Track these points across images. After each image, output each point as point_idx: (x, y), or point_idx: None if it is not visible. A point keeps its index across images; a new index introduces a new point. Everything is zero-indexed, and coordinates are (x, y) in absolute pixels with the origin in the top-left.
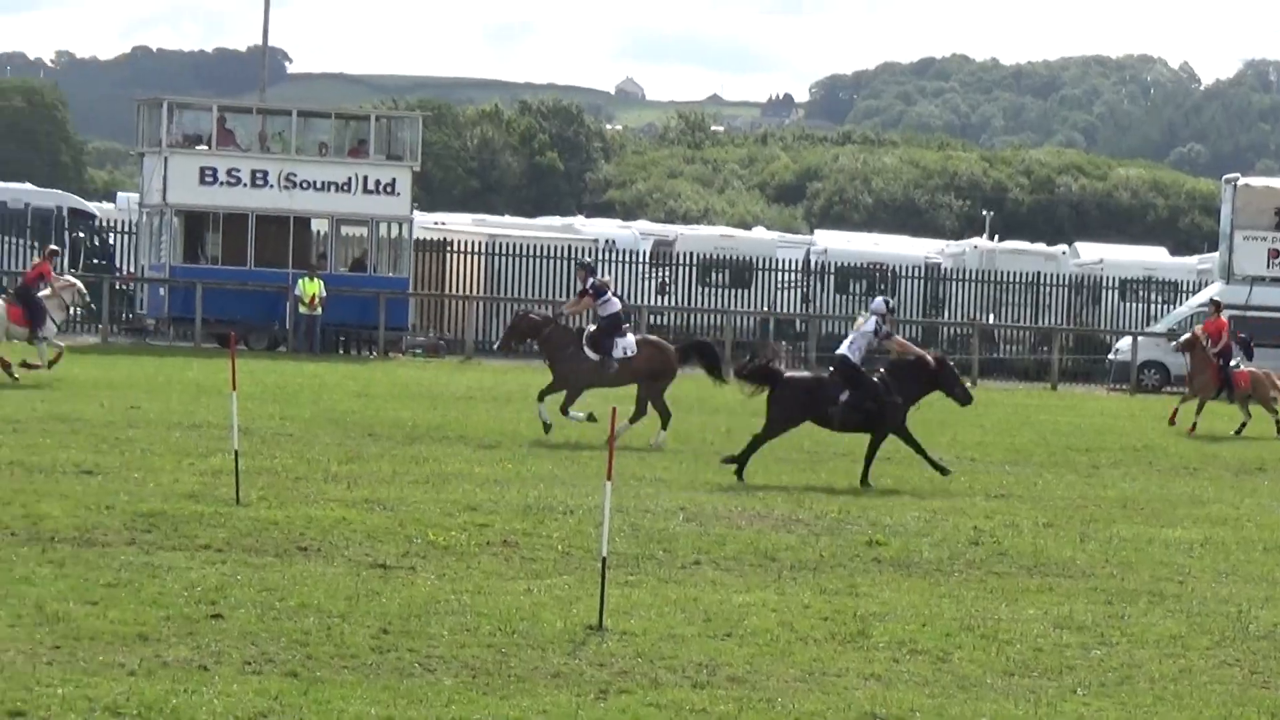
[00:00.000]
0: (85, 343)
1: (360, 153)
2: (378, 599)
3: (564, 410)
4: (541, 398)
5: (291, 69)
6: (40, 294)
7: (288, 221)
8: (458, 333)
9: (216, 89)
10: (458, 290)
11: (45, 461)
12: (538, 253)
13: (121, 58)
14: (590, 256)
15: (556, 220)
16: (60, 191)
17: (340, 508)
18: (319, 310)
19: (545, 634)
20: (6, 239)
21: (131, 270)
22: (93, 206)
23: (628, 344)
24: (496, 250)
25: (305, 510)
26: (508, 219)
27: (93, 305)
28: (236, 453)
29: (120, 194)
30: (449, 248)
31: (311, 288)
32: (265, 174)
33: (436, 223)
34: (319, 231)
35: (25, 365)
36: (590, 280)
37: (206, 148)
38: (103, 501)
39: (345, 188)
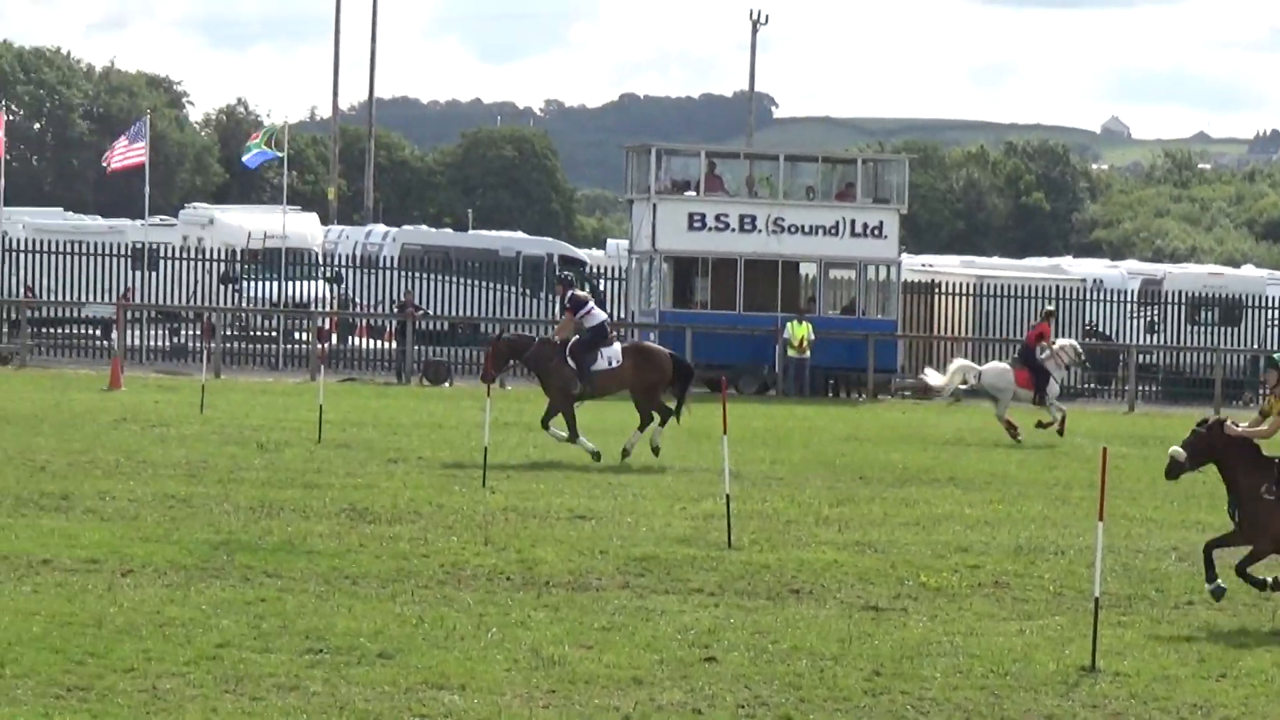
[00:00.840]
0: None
1: (847, 196)
2: (870, 641)
3: (544, 423)
4: (545, 424)
5: (778, 113)
6: (1041, 356)
7: (776, 265)
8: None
9: (703, 134)
10: (946, 331)
11: (539, 507)
12: (1025, 293)
13: (609, 105)
14: (1078, 297)
15: (1044, 261)
16: (551, 239)
17: (832, 550)
18: (808, 353)
19: (1038, 675)
20: (499, 287)
21: (622, 316)
22: (582, 253)
23: (613, 354)
24: (984, 291)
25: (797, 553)
26: (995, 260)
27: (1087, 364)
28: (728, 496)
29: (610, 240)
30: (937, 289)
31: (800, 331)
32: (753, 219)
33: (924, 265)
34: (807, 275)
35: (1040, 425)
36: (569, 293)
37: (695, 193)
38: (596, 546)
39: (833, 231)
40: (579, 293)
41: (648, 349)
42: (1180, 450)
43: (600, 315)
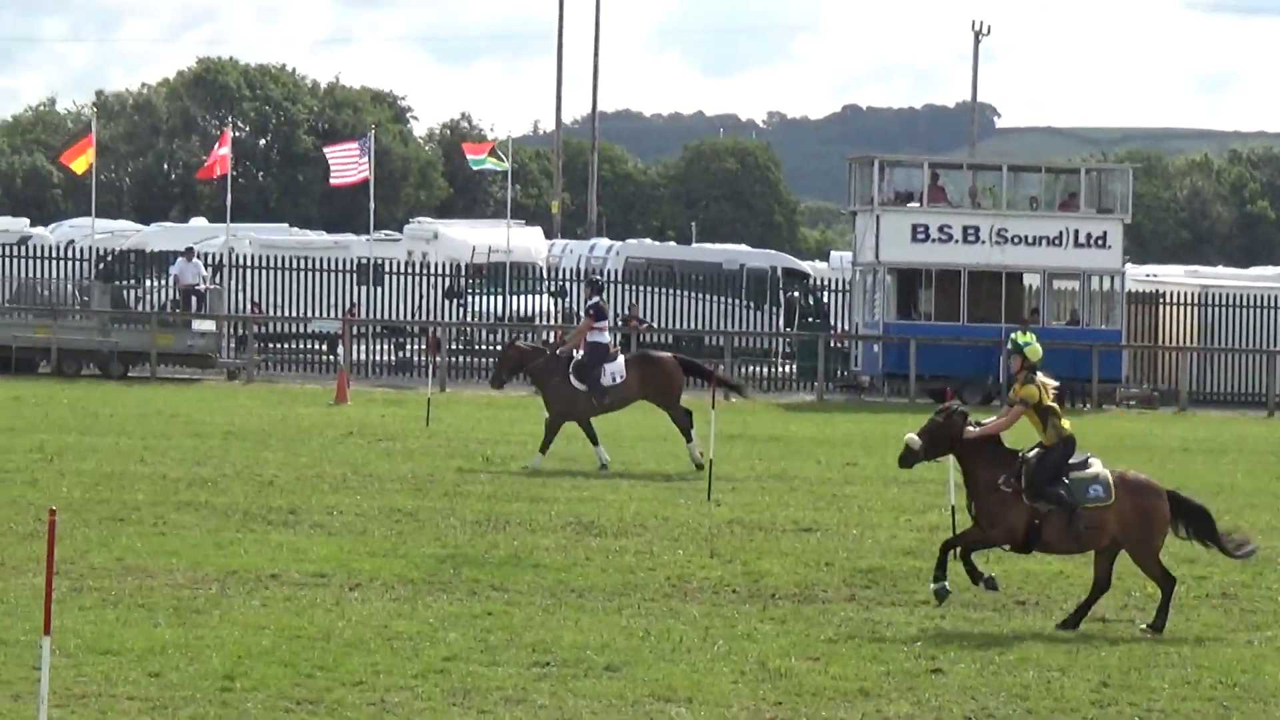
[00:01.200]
0: (802, 400)
1: (1071, 206)
2: (1097, 652)
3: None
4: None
5: (1000, 123)
6: None
7: (999, 277)
8: (1171, 384)
9: (925, 145)
10: (1171, 342)
11: (764, 519)
12: (1251, 303)
13: (832, 116)
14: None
15: (1269, 270)
16: (774, 252)
17: (1057, 561)
18: None
19: (1267, 687)
20: (723, 300)
21: (845, 328)
22: (806, 266)
23: (616, 369)
24: (1209, 301)
25: (1023, 564)
26: (1220, 270)
27: None
28: (953, 508)
29: (833, 252)
30: (1161, 299)
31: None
32: (976, 229)
33: (1148, 274)
34: (1031, 286)
35: None
36: (593, 300)
37: (918, 205)
38: (822, 558)
39: (1056, 242)
40: (603, 303)
41: (652, 356)
42: (916, 438)
43: (605, 337)
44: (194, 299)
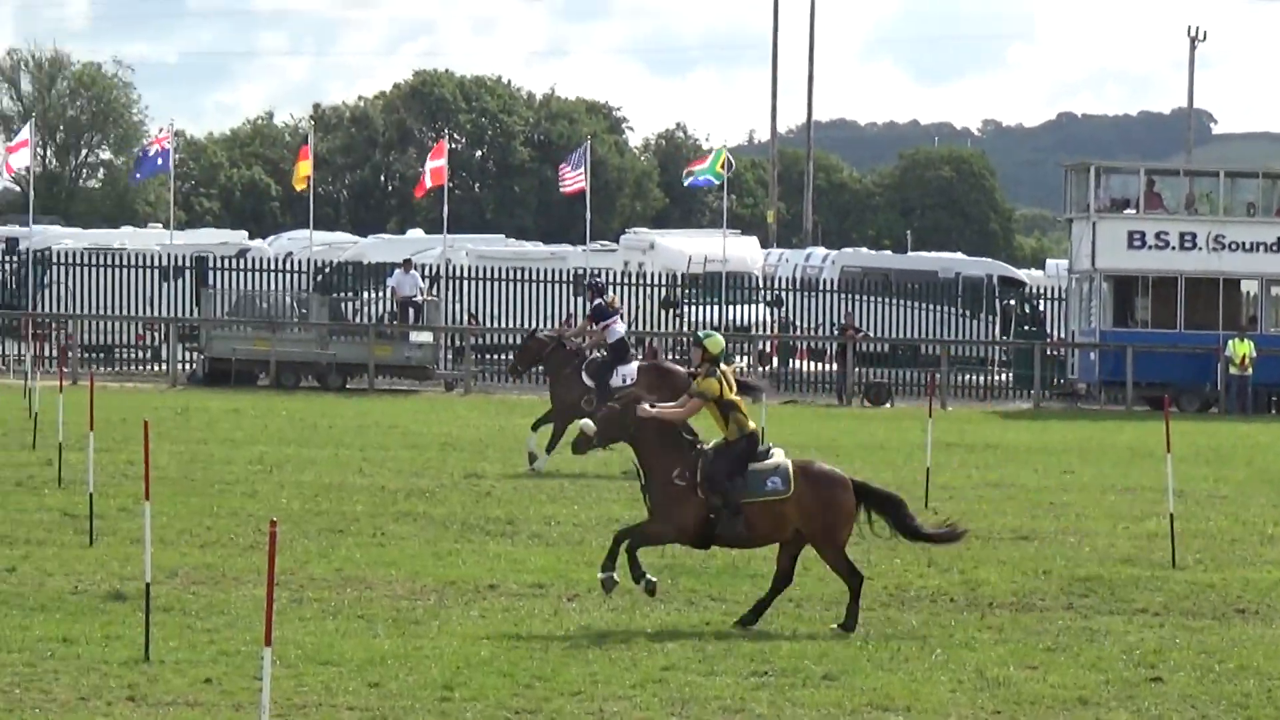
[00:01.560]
0: (1018, 408)
1: None
2: None
3: (535, 425)
4: (536, 427)
5: (1216, 129)
6: None
7: (1217, 283)
8: None
9: (1140, 152)
10: None
11: (982, 527)
12: None
13: (1047, 124)
14: None
15: None
16: (990, 260)
17: (1277, 570)
18: (1250, 371)
19: None
20: (939, 308)
21: (1061, 336)
22: (1022, 274)
23: (628, 371)
24: None
25: (1242, 572)
26: None
27: None
28: (1171, 516)
29: (1049, 260)
30: None
31: (1242, 349)
32: (1193, 236)
33: None
34: (1248, 292)
35: None
36: (596, 301)
37: (1134, 211)
38: (1039, 566)
39: (1274, 248)
40: (605, 303)
41: (665, 368)
42: (590, 424)
43: (620, 330)
44: (411, 310)
